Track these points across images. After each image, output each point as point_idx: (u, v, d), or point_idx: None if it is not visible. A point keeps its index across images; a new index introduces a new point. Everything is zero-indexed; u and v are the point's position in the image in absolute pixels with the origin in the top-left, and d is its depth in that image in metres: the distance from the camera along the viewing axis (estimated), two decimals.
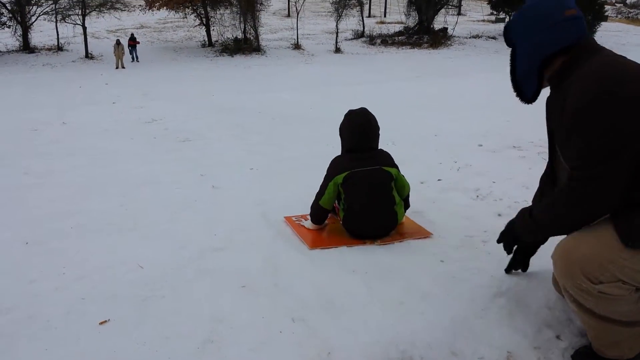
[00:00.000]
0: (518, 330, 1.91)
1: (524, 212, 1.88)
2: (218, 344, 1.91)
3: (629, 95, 1.47)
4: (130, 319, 2.10)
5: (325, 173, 2.91)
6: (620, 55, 1.66)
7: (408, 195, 3.03)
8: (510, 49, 1.84)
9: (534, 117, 6.45)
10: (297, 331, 1.97)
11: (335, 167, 2.87)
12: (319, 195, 2.91)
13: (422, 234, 2.91)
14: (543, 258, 2.42)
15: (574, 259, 1.61)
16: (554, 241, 1.76)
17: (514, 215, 3.06)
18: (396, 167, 2.93)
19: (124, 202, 3.68)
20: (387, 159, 2.91)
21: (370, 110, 2.96)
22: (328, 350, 1.85)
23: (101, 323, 2.06)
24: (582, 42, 1.69)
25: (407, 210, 3.06)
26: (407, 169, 4.33)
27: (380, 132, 2.98)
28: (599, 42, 1.73)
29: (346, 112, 2.98)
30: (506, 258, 2.49)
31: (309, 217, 3.04)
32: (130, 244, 2.90)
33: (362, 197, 2.79)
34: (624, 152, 1.48)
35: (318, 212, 2.95)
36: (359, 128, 2.88)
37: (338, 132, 3.01)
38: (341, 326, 1.99)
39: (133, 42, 28.86)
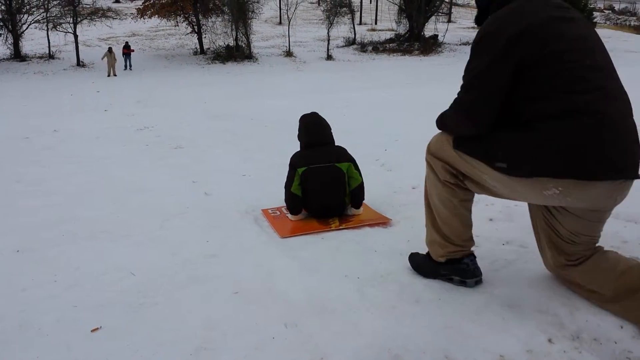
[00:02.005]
0: (511, 334, 1.92)
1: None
2: (211, 351, 1.91)
3: (512, 34, 1.81)
4: (123, 326, 2.09)
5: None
6: (548, 8, 1.90)
7: (359, 187, 3.35)
8: None
9: None
10: (290, 337, 1.97)
11: (296, 160, 3.30)
12: (288, 185, 3.29)
13: (381, 220, 3.25)
14: (536, 264, 2.44)
15: (431, 141, 2.29)
16: None
17: (505, 220, 3.10)
18: (350, 161, 3.35)
19: (116, 209, 3.67)
20: (341, 155, 3.35)
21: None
22: (321, 355, 1.85)
23: (93, 330, 2.06)
24: None
25: (363, 200, 3.41)
26: (400, 174, 4.36)
27: (332, 130, 3.49)
28: None
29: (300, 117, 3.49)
30: (497, 263, 2.50)
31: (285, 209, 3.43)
32: (122, 251, 2.89)
33: (316, 189, 3.24)
34: (492, 85, 1.88)
35: (292, 200, 3.29)
36: (311, 125, 3.41)
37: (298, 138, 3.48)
38: (334, 331, 1.99)
39: (127, 50, 28.82)
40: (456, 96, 2.04)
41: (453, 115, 2.10)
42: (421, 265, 2.43)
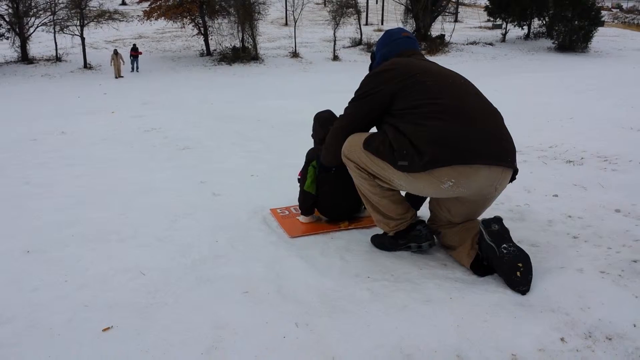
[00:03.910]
0: (523, 332, 1.91)
1: None
2: (222, 351, 1.90)
3: (379, 70, 2.53)
4: (133, 326, 2.09)
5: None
6: (412, 58, 2.60)
7: None
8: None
9: (533, 122, 6.47)
10: (301, 336, 1.97)
11: (311, 155, 3.23)
12: (302, 182, 3.21)
13: None
14: (547, 262, 2.43)
15: (344, 144, 2.64)
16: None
17: (516, 219, 3.08)
18: None
19: (124, 210, 3.67)
20: None
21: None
22: (332, 355, 1.84)
23: (104, 330, 2.06)
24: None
25: None
26: None
27: None
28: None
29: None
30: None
31: (297, 209, 3.37)
32: (131, 252, 2.89)
33: (330, 183, 3.12)
34: (363, 104, 2.55)
35: (305, 198, 3.21)
36: (325, 120, 3.25)
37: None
38: (345, 331, 1.99)
39: (135, 52, 28.93)
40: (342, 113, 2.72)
41: (336, 125, 2.76)
42: (383, 242, 2.75)
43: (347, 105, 2.65)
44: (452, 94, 2.37)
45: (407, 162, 2.29)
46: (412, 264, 2.54)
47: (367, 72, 2.69)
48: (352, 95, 2.64)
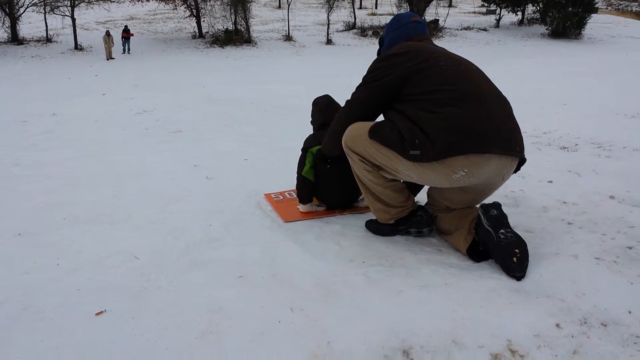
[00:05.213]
0: (518, 318, 1.90)
1: None
2: (217, 335, 1.89)
3: (391, 54, 2.45)
4: (127, 309, 2.07)
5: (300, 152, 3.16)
6: (423, 43, 2.53)
7: None
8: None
9: (528, 108, 6.46)
10: (296, 321, 1.95)
11: (309, 141, 3.13)
12: (300, 168, 3.10)
13: None
14: (542, 248, 2.43)
15: (345, 134, 2.57)
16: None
17: (510, 205, 3.08)
18: None
19: (117, 193, 3.65)
20: None
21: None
22: (327, 339, 1.83)
23: (97, 314, 2.04)
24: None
25: None
26: None
27: None
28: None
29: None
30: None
31: (291, 194, 3.37)
32: (125, 235, 2.87)
33: (329, 169, 3.02)
34: (373, 88, 2.45)
35: (303, 185, 3.11)
36: (324, 106, 3.20)
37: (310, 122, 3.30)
38: (340, 315, 1.97)
39: (127, 34, 28.65)
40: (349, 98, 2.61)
41: (342, 111, 2.67)
42: (381, 228, 2.70)
43: (355, 90, 2.56)
44: (467, 81, 2.33)
45: (420, 152, 2.23)
46: (407, 249, 2.53)
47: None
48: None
